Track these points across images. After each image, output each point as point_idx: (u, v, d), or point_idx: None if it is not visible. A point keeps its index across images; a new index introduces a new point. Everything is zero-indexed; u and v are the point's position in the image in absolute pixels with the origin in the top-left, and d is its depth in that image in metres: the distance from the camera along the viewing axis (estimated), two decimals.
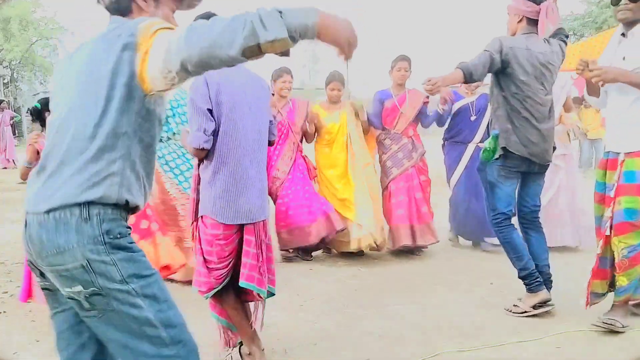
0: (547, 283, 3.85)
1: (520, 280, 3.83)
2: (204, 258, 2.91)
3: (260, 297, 3.02)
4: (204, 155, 2.87)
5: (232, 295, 3.01)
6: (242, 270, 2.88)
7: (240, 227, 2.91)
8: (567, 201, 5.58)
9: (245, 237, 2.90)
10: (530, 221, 3.96)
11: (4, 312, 3.96)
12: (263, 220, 2.96)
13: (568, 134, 5.89)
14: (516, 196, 3.96)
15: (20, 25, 32.71)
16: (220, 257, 2.89)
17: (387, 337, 3.46)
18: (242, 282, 2.88)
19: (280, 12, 1.44)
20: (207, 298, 2.98)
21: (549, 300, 3.76)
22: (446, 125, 5.79)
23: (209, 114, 2.79)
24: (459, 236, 5.99)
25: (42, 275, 1.71)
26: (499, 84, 3.76)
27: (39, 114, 3.95)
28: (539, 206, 4.00)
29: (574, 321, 3.65)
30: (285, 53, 1.53)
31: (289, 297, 4.24)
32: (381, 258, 5.42)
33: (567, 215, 5.57)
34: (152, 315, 1.62)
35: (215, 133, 2.82)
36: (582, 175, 11.79)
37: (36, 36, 34.33)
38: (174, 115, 4.55)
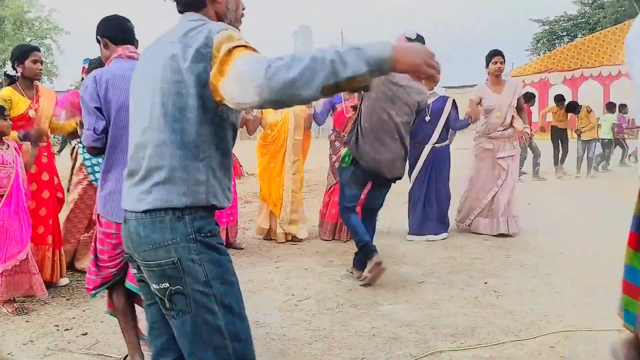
0: (371, 252, 4.47)
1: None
2: (96, 256, 2.93)
3: None
4: (97, 153, 2.92)
5: (122, 299, 3.00)
6: (129, 270, 2.85)
7: None
8: (506, 197, 6.23)
9: None
10: (369, 214, 4.78)
11: None
12: None
13: (523, 137, 6.54)
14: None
15: (14, 25, 32.59)
16: (111, 255, 2.91)
17: (381, 336, 3.47)
18: (127, 283, 2.90)
19: (357, 48, 1.47)
20: (92, 297, 3.03)
21: (381, 262, 4.40)
22: None
23: (98, 113, 2.80)
24: (410, 234, 6.25)
25: (139, 267, 1.82)
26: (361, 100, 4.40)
27: None
28: (379, 206, 4.82)
29: (568, 321, 3.66)
30: (364, 88, 1.55)
31: (284, 296, 4.24)
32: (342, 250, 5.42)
33: (503, 208, 6.23)
34: (223, 325, 1.70)
35: (106, 132, 2.83)
36: (576, 177, 11.83)
37: (30, 36, 34.20)
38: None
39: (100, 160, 4.67)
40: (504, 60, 6.28)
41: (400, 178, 4.61)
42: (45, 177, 4.42)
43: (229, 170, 1.82)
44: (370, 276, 4.38)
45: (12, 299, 3.92)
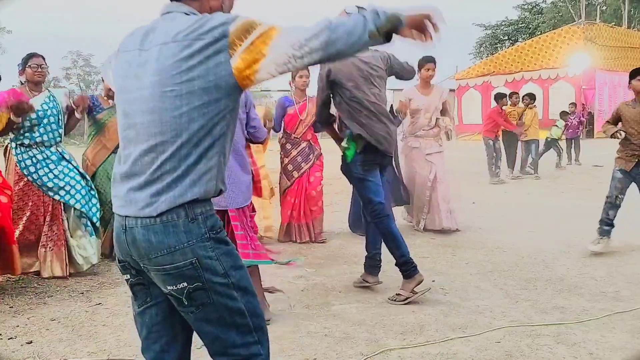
0: (375, 269, 4.39)
1: (401, 268, 4.12)
2: None
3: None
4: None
5: None
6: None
7: (223, 214, 3.29)
8: (443, 192, 6.56)
9: (231, 222, 3.34)
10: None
11: None
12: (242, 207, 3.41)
13: (448, 134, 6.84)
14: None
15: None
16: None
17: (333, 336, 3.50)
18: (246, 261, 3.11)
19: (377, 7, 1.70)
20: None
21: (422, 281, 4.06)
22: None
23: None
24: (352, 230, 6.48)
25: (136, 273, 1.81)
26: (335, 95, 4.24)
27: None
28: (382, 203, 4.22)
29: (512, 316, 3.80)
30: (388, 38, 1.74)
31: None
32: (327, 258, 5.47)
33: (443, 204, 6.54)
34: (243, 305, 1.77)
35: None
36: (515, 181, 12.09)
37: None
38: (40, 124, 4.72)
39: (33, 158, 4.67)
40: (435, 66, 6.51)
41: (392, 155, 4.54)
42: None
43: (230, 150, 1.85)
44: (406, 297, 4.04)
45: None
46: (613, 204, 5.35)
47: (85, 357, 3.25)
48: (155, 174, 1.68)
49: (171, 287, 1.72)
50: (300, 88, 6.10)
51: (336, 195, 8.61)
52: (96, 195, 5.01)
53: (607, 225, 5.38)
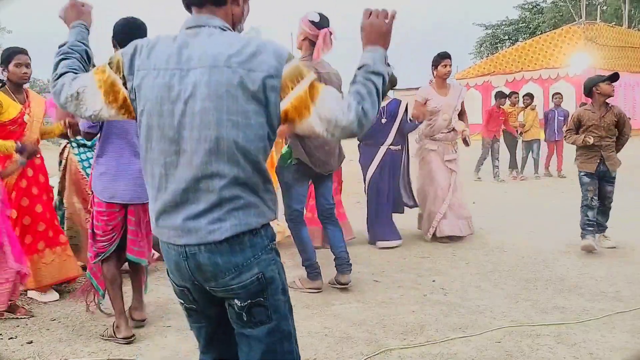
0: (346, 266, 4.43)
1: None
2: (93, 230, 3.41)
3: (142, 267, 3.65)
4: (92, 138, 3.45)
5: (112, 269, 3.46)
6: (127, 244, 3.46)
7: (124, 207, 3.39)
8: (459, 198, 6.22)
9: (128, 216, 3.43)
10: (327, 217, 4.53)
11: None
12: (143, 204, 3.39)
13: (466, 140, 6.24)
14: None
15: None
16: (105, 231, 3.39)
17: (333, 336, 3.50)
18: (128, 256, 3.50)
19: (382, 62, 1.76)
20: (94, 263, 3.49)
21: (320, 289, 4.38)
22: None
23: None
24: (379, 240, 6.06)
25: (192, 299, 1.81)
26: None
27: None
28: (333, 205, 4.56)
29: (512, 316, 3.80)
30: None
31: None
32: (327, 258, 5.46)
33: (461, 211, 6.16)
34: (292, 329, 1.77)
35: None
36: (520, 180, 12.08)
37: None
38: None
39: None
40: (451, 63, 6.14)
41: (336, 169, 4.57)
42: (41, 179, 4.34)
43: None
44: (302, 289, 4.37)
45: None
46: (590, 206, 5.45)
47: (85, 357, 3.26)
48: (214, 202, 1.64)
49: (235, 302, 1.71)
50: None
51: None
52: None
53: (589, 226, 5.44)
